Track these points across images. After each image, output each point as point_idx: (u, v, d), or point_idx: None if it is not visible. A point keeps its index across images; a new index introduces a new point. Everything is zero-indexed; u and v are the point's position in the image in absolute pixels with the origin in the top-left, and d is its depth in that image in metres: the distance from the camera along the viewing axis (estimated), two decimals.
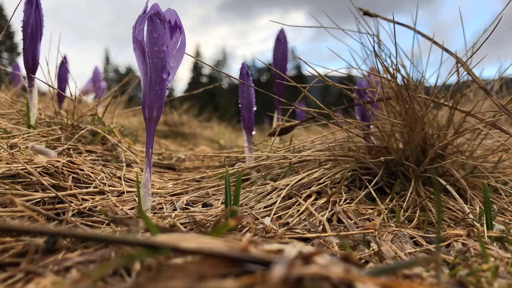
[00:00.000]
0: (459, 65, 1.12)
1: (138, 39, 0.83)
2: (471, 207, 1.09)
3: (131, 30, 0.84)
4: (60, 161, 1.06)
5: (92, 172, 1.13)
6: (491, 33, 1.07)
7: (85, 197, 0.97)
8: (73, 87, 2.61)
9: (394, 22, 1.18)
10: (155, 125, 0.90)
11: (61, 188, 0.98)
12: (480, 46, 1.10)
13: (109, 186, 1.09)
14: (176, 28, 0.87)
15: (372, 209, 1.04)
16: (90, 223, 0.81)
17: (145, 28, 0.82)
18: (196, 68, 49.06)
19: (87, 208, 0.90)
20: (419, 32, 1.24)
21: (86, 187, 1.04)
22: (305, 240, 0.81)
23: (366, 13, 1.32)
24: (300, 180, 1.13)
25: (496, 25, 1.05)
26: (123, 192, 1.06)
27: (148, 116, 0.89)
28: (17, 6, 1.24)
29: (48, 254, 0.60)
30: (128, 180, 1.19)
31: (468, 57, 1.12)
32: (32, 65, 1.44)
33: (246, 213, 0.94)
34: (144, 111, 0.89)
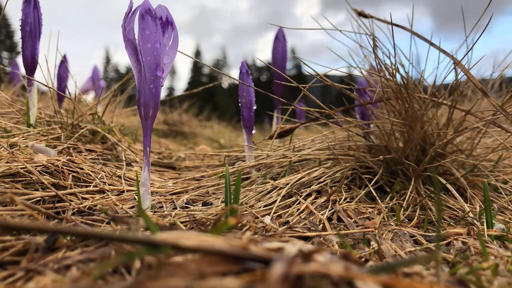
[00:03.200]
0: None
1: (129, 38, 0.83)
2: (471, 205, 1.09)
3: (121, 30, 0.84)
4: (60, 160, 1.06)
5: (92, 171, 1.13)
6: (483, 31, 1.06)
7: (85, 196, 0.97)
8: (73, 86, 2.61)
9: (392, 24, 1.18)
10: (152, 123, 0.90)
11: (61, 187, 0.98)
12: (474, 44, 1.10)
13: (109, 185, 1.09)
14: (168, 24, 0.87)
15: (372, 208, 1.04)
16: (90, 222, 0.81)
17: (136, 25, 0.82)
18: (196, 68, 49.03)
19: (87, 207, 0.90)
20: (415, 33, 1.24)
21: (86, 186, 1.04)
22: (305, 238, 0.81)
23: (361, 14, 1.32)
24: (300, 179, 1.13)
25: (488, 23, 1.05)
26: (123, 191, 1.06)
27: (144, 115, 0.88)
28: (6, 4, 1.24)
29: (48, 252, 0.60)
30: (128, 179, 1.19)
31: (467, 58, 1.12)
32: (31, 64, 1.44)
33: (246, 212, 0.94)
34: (139, 109, 0.88)
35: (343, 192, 1.11)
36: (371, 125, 1.38)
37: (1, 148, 1.05)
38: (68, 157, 1.12)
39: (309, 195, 1.08)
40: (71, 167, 1.08)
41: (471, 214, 1.00)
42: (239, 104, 1.40)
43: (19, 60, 2.66)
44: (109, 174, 1.18)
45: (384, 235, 0.83)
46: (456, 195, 1.07)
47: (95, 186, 1.05)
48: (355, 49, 1.40)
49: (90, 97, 3.07)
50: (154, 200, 1.02)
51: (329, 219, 0.95)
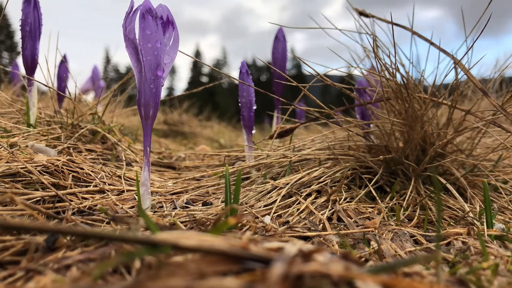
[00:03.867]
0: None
1: (130, 38, 0.83)
2: (471, 205, 1.09)
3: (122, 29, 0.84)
4: (60, 160, 1.06)
5: (92, 171, 1.13)
6: (483, 29, 1.06)
7: (85, 195, 0.97)
8: (73, 86, 2.61)
9: (392, 24, 1.18)
10: (152, 123, 0.90)
11: (61, 186, 0.98)
12: (473, 43, 1.10)
13: (109, 185, 1.09)
14: (168, 24, 0.87)
15: (372, 207, 1.04)
16: (90, 222, 0.81)
17: (137, 25, 0.82)
18: (196, 68, 49.02)
19: (87, 206, 0.90)
20: (415, 33, 1.24)
21: (86, 186, 1.04)
22: (305, 238, 0.81)
23: (362, 14, 1.32)
24: (300, 179, 1.13)
25: (488, 20, 1.04)
26: (123, 191, 1.06)
27: (144, 114, 0.88)
28: (6, 4, 1.24)
29: (48, 252, 0.60)
30: (128, 179, 1.19)
31: (467, 58, 1.12)
32: (31, 64, 1.44)
33: (246, 212, 0.94)
34: (140, 109, 0.88)
35: (343, 192, 1.11)
36: (371, 125, 1.38)
37: (1, 148, 1.05)
38: (68, 157, 1.12)
39: (309, 195, 1.08)
40: (71, 167, 1.08)
41: (471, 214, 1.00)
42: (239, 104, 1.40)
43: (19, 60, 2.66)
44: (109, 174, 1.18)
45: (384, 235, 0.83)
46: (456, 195, 1.07)
47: (95, 186, 1.05)
48: (359, 48, 1.40)
49: (90, 97, 3.07)
50: (154, 200, 1.02)
51: (329, 219, 0.95)
